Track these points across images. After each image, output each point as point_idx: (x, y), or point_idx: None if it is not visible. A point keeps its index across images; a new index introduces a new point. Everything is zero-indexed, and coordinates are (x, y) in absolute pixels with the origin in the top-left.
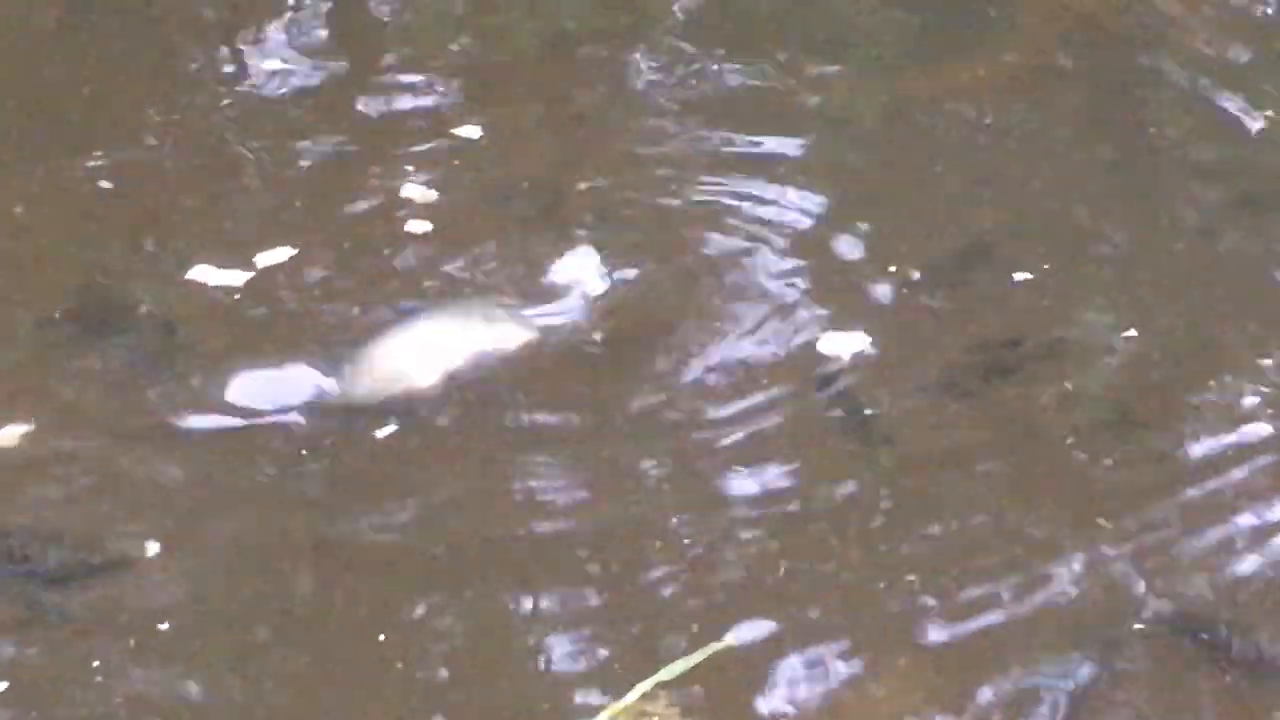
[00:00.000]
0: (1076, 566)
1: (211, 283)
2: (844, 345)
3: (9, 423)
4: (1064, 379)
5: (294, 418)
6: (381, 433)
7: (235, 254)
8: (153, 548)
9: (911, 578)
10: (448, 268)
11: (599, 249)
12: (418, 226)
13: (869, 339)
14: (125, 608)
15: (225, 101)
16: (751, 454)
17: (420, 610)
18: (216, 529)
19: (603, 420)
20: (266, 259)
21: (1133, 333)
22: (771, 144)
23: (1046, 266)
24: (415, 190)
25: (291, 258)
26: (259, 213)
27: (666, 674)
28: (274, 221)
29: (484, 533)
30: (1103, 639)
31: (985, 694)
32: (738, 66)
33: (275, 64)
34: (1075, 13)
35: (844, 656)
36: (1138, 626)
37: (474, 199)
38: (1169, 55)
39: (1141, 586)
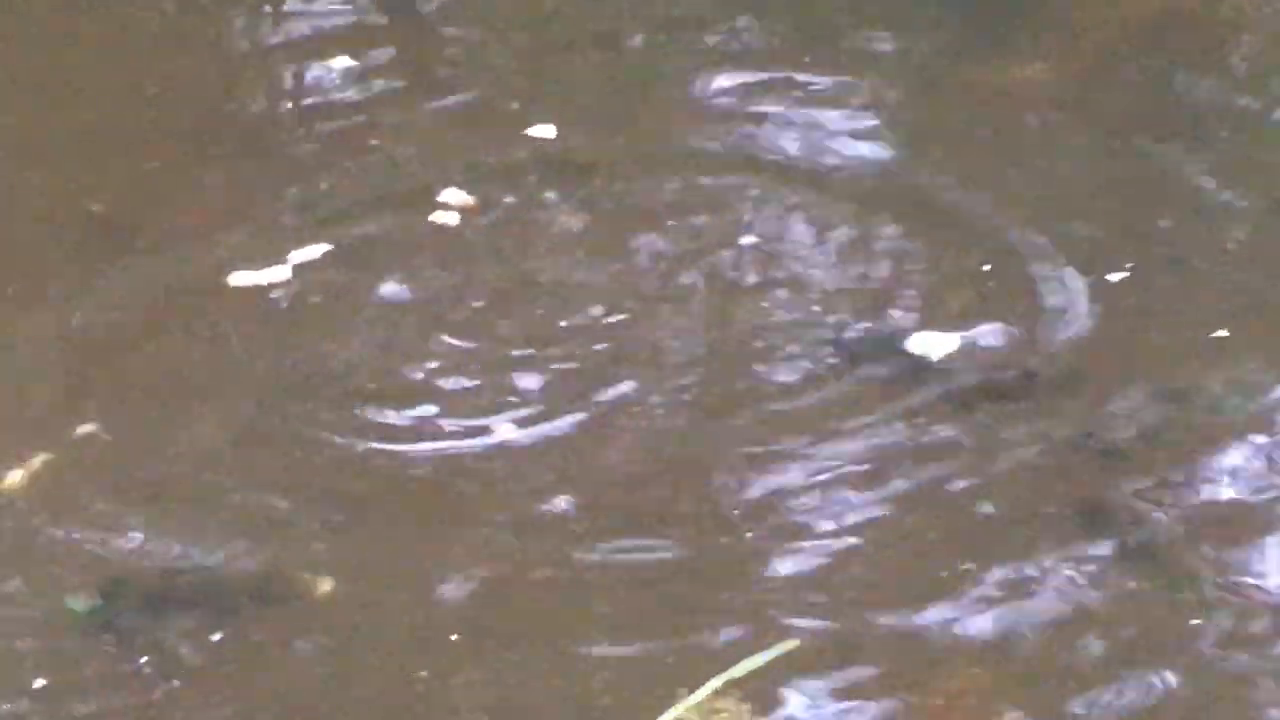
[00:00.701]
0: None
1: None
2: (934, 346)
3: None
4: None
5: None
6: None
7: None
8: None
9: (969, 566)
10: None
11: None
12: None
13: (960, 340)
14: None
15: (268, 98)
16: (819, 441)
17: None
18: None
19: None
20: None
21: (1224, 333)
22: (833, 139)
23: (1130, 265)
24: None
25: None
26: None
27: (737, 671)
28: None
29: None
30: None
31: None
32: (798, 62)
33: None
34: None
35: (912, 656)
36: None
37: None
38: (1230, 54)
39: None
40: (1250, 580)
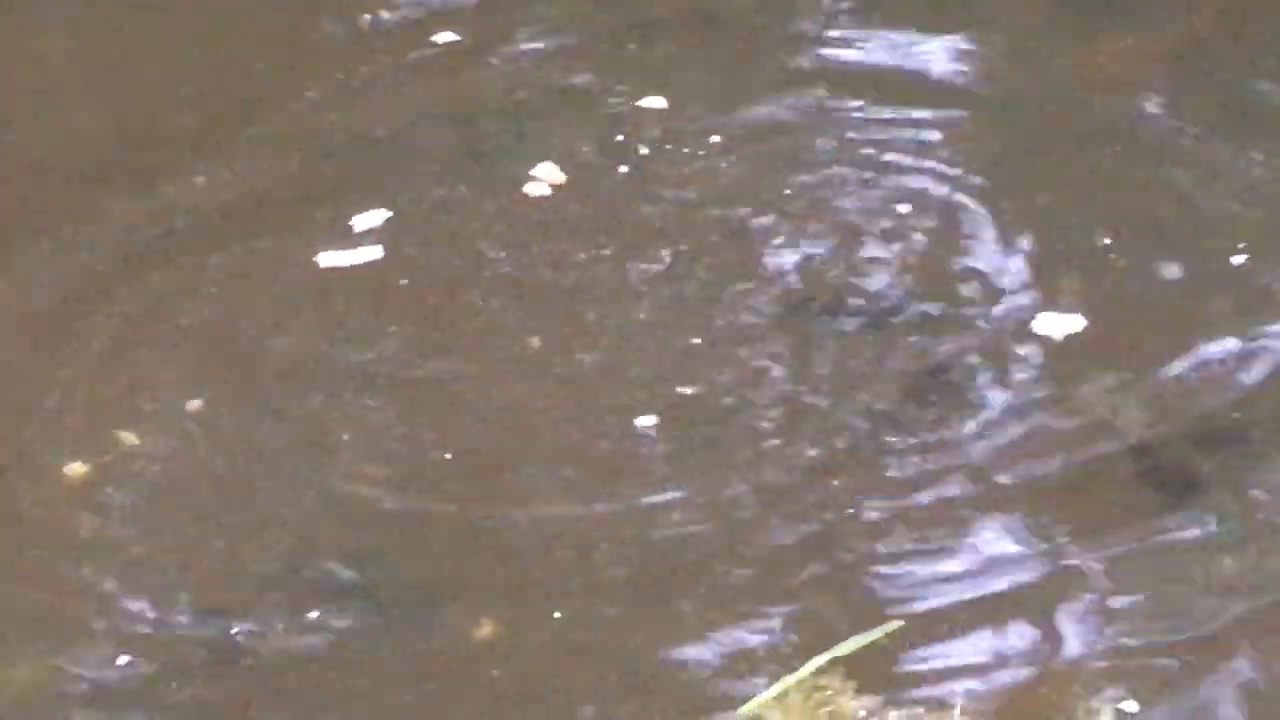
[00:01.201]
0: None
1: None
2: (1058, 326)
3: None
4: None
5: None
6: None
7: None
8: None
9: (1064, 539)
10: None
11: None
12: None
13: (1085, 322)
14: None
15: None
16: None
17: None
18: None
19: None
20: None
21: None
22: (922, 118)
23: (1242, 245)
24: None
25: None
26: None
27: (842, 649)
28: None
29: None
30: None
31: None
32: (879, 39)
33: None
34: None
35: (1020, 635)
36: None
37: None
38: None
39: None
40: None
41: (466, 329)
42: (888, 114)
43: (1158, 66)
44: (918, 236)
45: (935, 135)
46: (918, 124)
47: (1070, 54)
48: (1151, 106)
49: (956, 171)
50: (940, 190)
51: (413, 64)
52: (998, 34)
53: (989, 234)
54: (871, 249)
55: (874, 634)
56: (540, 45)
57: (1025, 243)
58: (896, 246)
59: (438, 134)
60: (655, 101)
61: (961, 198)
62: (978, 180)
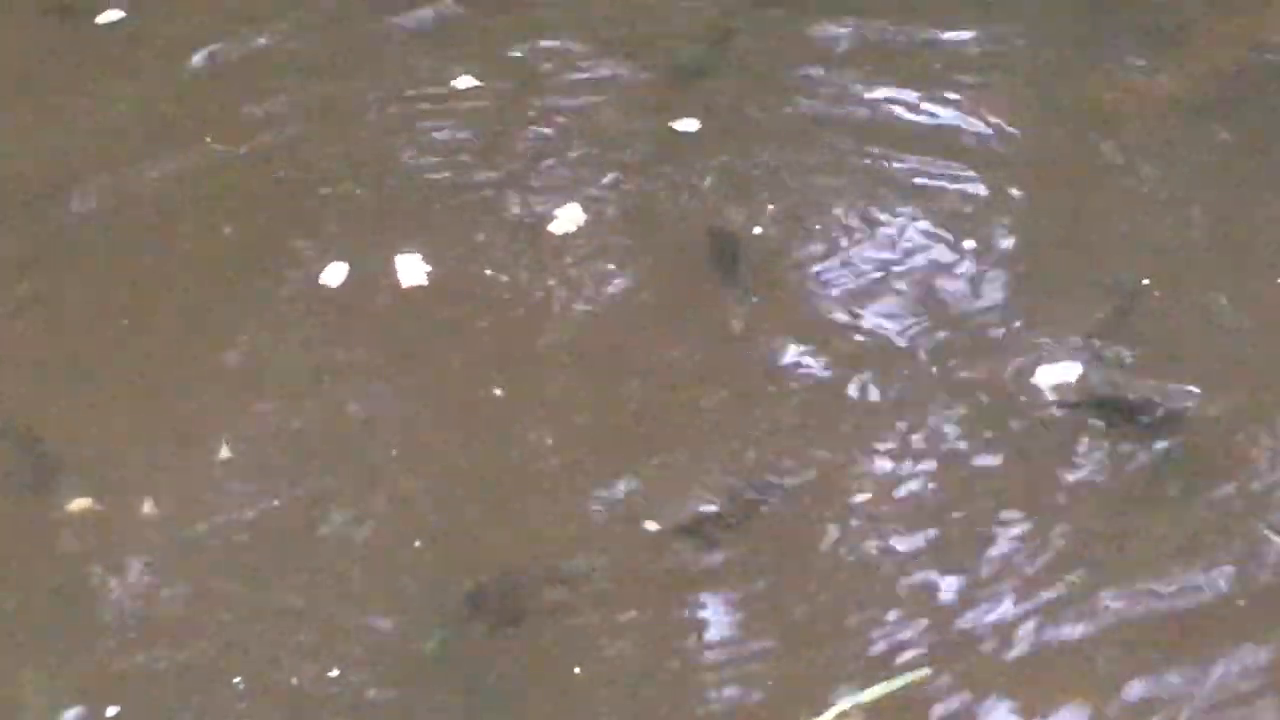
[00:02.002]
0: None
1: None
2: (1057, 376)
3: None
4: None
5: None
6: None
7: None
8: None
9: (1075, 579)
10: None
11: None
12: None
13: (1079, 370)
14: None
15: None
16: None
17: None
18: None
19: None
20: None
21: None
22: (945, 143)
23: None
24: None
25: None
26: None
27: (866, 696)
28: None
29: None
30: None
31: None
32: (898, 76)
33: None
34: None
35: (1036, 681)
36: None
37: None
38: None
39: None
40: None
41: (498, 385)
42: (912, 159)
43: (1176, 104)
44: (949, 280)
45: (966, 172)
46: (948, 162)
47: (1087, 91)
48: (1169, 143)
49: (983, 206)
50: (967, 224)
51: (434, 105)
52: (1016, 73)
53: (1014, 273)
54: (900, 286)
55: (900, 681)
56: (565, 83)
57: (1051, 281)
58: (921, 289)
59: (463, 174)
60: (688, 124)
61: (990, 230)
62: (1004, 228)
